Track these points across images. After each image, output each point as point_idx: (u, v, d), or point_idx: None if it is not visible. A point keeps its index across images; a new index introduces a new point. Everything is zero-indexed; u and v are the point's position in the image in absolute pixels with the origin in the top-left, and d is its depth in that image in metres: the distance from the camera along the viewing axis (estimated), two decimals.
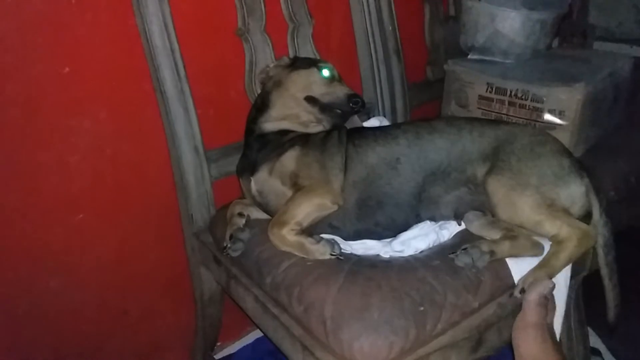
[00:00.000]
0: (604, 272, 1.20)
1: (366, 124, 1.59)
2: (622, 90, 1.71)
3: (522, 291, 1.06)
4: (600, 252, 1.19)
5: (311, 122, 1.33)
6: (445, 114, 1.80)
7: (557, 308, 1.12)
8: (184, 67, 1.33)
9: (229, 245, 1.21)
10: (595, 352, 1.66)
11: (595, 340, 1.68)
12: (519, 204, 1.12)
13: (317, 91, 1.31)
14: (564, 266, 1.10)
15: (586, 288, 1.35)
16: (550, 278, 1.07)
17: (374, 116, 1.71)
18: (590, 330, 1.62)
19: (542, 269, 1.08)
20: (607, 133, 1.69)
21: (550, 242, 1.12)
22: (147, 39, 1.29)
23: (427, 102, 1.96)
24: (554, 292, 1.07)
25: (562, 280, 1.14)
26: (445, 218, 1.26)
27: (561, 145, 1.25)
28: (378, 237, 1.24)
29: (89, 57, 1.29)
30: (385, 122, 1.63)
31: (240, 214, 1.29)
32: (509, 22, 1.73)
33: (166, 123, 1.35)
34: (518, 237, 1.15)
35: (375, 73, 1.79)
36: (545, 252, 1.14)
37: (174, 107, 1.33)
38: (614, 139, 1.68)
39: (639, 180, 1.58)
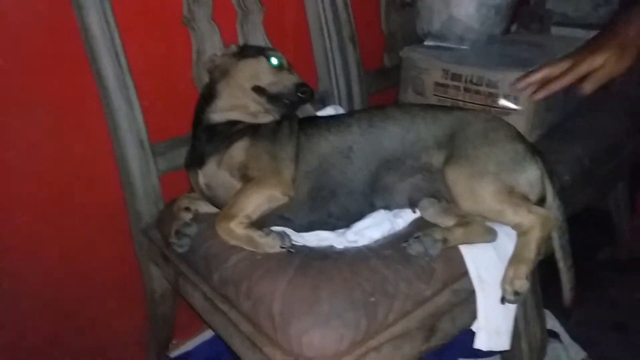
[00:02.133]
0: (559, 255, 1.20)
1: (321, 112, 1.56)
2: None
3: (516, 294, 1.05)
4: (555, 235, 1.19)
5: (260, 113, 1.29)
6: (402, 101, 1.77)
7: None
8: (126, 58, 1.27)
9: (174, 241, 1.17)
10: (553, 334, 1.67)
11: (553, 323, 1.69)
12: (480, 192, 1.10)
13: (265, 81, 1.27)
14: (537, 254, 1.09)
15: (544, 271, 1.35)
16: (530, 270, 1.06)
17: (329, 105, 1.67)
18: (548, 313, 1.63)
19: (521, 265, 1.06)
20: (562, 117, 1.69)
21: (504, 228, 1.12)
22: (85, 30, 1.23)
23: (384, 90, 1.94)
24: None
25: None
26: (400, 206, 1.24)
27: (515, 130, 1.24)
28: (332, 227, 1.22)
29: (24, 48, 1.22)
30: (341, 111, 1.61)
31: (187, 209, 1.25)
32: (463, 8, 1.71)
33: (108, 117, 1.30)
34: (471, 223, 1.14)
35: (331, 61, 1.75)
36: (498, 238, 1.13)
37: (116, 100, 1.27)
38: (569, 123, 1.68)
39: (593, 163, 1.58)
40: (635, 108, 1.90)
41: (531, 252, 1.07)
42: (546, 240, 1.10)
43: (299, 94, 1.26)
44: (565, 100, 1.67)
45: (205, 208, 1.28)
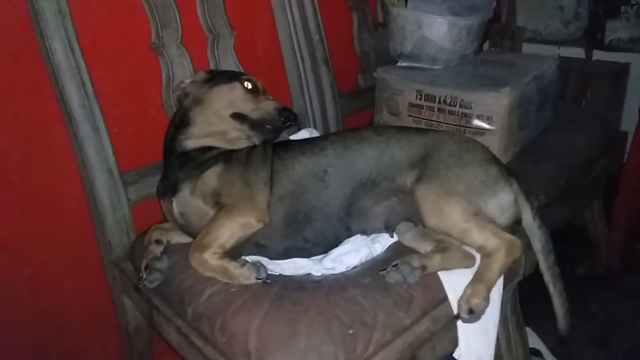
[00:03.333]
0: (547, 277, 1.19)
1: (296, 135, 1.55)
2: (549, 92, 1.73)
3: (471, 311, 1.02)
4: (540, 256, 1.19)
5: (240, 139, 1.27)
6: (377, 122, 1.77)
7: (491, 316, 1.10)
8: (92, 85, 1.25)
9: (144, 276, 1.13)
10: (536, 352, 1.66)
11: (535, 341, 1.68)
12: (446, 210, 1.09)
13: (245, 107, 1.25)
14: (498, 277, 1.08)
15: (524, 289, 1.35)
16: (489, 290, 1.04)
17: (303, 127, 1.66)
18: (529, 331, 1.62)
19: (480, 284, 1.04)
20: (536, 135, 1.70)
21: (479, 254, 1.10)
22: (49, 58, 1.19)
23: (359, 111, 1.94)
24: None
25: (494, 289, 1.11)
26: (377, 230, 1.22)
27: (488, 152, 1.24)
28: (308, 254, 1.19)
29: None
30: (316, 133, 1.59)
31: (158, 241, 1.21)
32: (435, 29, 1.72)
33: (75, 146, 1.26)
34: (449, 249, 1.12)
35: (304, 83, 1.75)
36: (477, 264, 1.12)
37: (83, 128, 1.24)
38: (543, 141, 1.69)
39: (568, 180, 1.59)
40: (606, 124, 1.93)
41: (492, 274, 1.06)
42: (514, 263, 1.09)
43: (282, 118, 1.24)
44: (537, 118, 1.69)
45: (178, 238, 1.24)
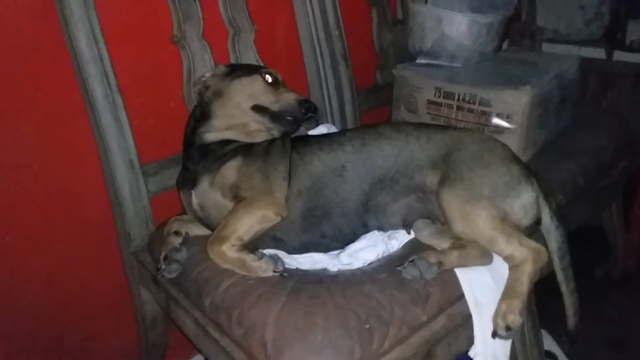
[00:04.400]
0: (560, 277, 1.19)
1: (314, 131, 1.55)
2: (569, 91, 1.71)
3: (508, 328, 1.02)
4: (555, 257, 1.18)
5: (259, 131, 1.28)
6: (395, 119, 1.76)
7: None
8: (115, 76, 1.26)
9: (163, 267, 1.14)
10: (551, 355, 1.65)
11: (550, 344, 1.67)
12: (473, 217, 1.08)
13: (265, 99, 1.26)
14: (530, 288, 1.07)
15: (540, 291, 1.34)
16: (524, 304, 1.04)
17: (322, 123, 1.66)
18: (545, 334, 1.61)
19: (514, 299, 1.04)
20: (555, 135, 1.69)
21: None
22: (73, 48, 1.21)
23: (377, 107, 1.93)
24: None
25: None
26: (394, 227, 1.22)
27: (509, 151, 1.22)
28: (325, 249, 1.20)
29: (10, 65, 1.20)
30: (334, 129, 1.59)
31: (177, 232, 1.22)
32: (455, 26, 1.71)
33: (97, 136, 1.27)
34: (466, 246, 1.12)
35: (323, 79, 1.75)
36: (494, 261, 1.11)
37: (105, 119, 1.25)
38: (562, 141, 1.68)
39: (587, 181, 1.58)
40: (627, 125, 1.91)
41: (524, 286, 1.05)
42: (538, 272, 1.09)
43: (303, 110, 1.25)
44: (557, 117, 1.67)
45: (197, 230, 1.25)
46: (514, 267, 1.07)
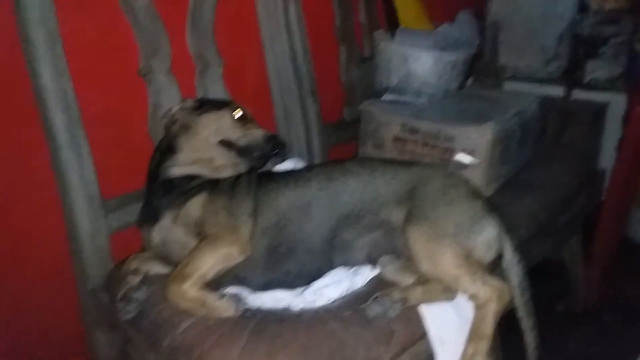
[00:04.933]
0: (521, 313, 1.20)
1: (281, 166, 1.55)
2: (530, 128, 1.76)
3: None
4: (516, 292, 1.19)
5: (225, 167, 1.27)
6: (362, 154, 1.78)
7: None
8: (78, 109, 1.24)
9: (121, 307, 1.11)
10: None
11: None
12: (438, 255, 1.09)
13: (233, 135, 1.26)
14: (494, 327, 1.08)
15: (501, 326, 1.34)
16: (490, 345, 1.05)
17: (289, 158, 1.66)
18: None
19: (480, 341, 1.05)
20: (517, 170, 1.73)
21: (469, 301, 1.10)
22: (35, 79, 1.19)
23: (344, 143, 1.95)
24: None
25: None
26: (359, 263, 1.22)
27: (472, 186, 1.25)
28: (289, 286, 1.18)
29: None
30: (301, 164, 1.59)
31: (136, 271, 1.19)
32: (421, 63, 1.75)
33: (57, 171, 1.25)
34: (430, 281, 1.12)
35: (291, 113, 1.76)
36: (457, 296, 1.12)
37: (66, 153, 1.23)
38: (523, 176, 1.72)
39: (548, 216, 1.62)
40: (585, 161, 1.97)
41: (489, 327, 1.06)
42: (502, 311, 1.10)
43: (270, 146, 1.25)
44: (519, 153, 1.72)
45: (157, 268, 1.22)
46: (478, 307, 1.08)
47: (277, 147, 1.26)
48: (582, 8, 2.54)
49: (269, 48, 1.69)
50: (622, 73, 2.50)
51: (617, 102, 2.39)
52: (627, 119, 2.14)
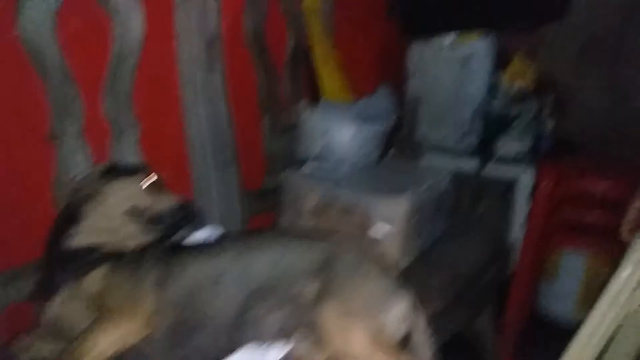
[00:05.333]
0: None
1: (199, 233, 1.51)
2: (443, 201, 1.83)
3: None
4: None
5: (133, 237, 1.22)
6: (282, 223, 1.77)
7: None
8: None
9: None
10: None
11: None
12: (350, 333, 1.09)
13: (142, 203, 1.22)
14: None
15: None
16: None
17: (204, 227, 1.62)
18: None
19: None
20: (431, 243, 1.78)
21: None
22: None
23: (264, 212, 1.93)
24: None
25: None
26: (270, 338, 1.18)
27: (384, 262, 1.28)
28: None
29: None
30: (219, 232, 1.56)
31: (27, 350, 1.10)
32: (341, 135, 1.80)
33: None
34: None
35: (210, 180, 1.73)
36: None
37: None
38: (437, 249, 1.76)
39: (459, 288, 1.66)
40: (497, 234, 2.06)
41: None
42: None
43: (180, 215, 1.22)
44: (433, 226, 1.77)
45: (51, 346, 1.13)
46: None
47: (189, 217, 1.23)
48: (493, 87, 2.73)
49: (189, 114, 1.68)
50: (530, 149, 2.67)
51: (525, 177, 2.54)
52: (533, 193, 2.27)
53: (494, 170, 2.60)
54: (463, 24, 2.43)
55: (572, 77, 2.83)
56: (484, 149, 2.69)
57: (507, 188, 2.56)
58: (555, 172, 2.17)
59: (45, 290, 1.13)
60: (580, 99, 2.81)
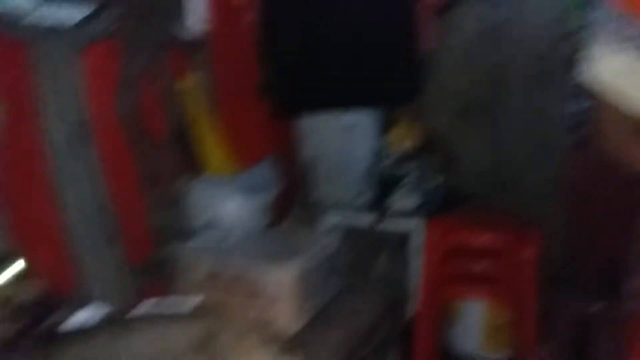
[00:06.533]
0: None
1: (82, 311, 1.44)
2: (335, 261, 1.88)
3: None
4: None
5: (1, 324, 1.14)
6: (170, 296, 1.73)
7: None
8: None
9: None
10: None
11: None
12: None
13: (7, 291, 1.15)
14: None
15: None
16: None
17: (91, 303, 1.55)
18: None
19: None
20: (326, 302, 1.80)
21: None
22: None
23: (152, 284, 1.88)
24: None
25: None
26: None
27: (268, 330, 1.27)
28: None
29: None
30: (104, 309, 1.49)
31: None
32: (226, 207, 1.83)
33: None
34: None
35: (92, 260, 1.67)
36: None
37: None
38: (331, 308, 1.79)
39: (355, 344, 1.68)
40: (389, 289, 2.13)
41: None
42: None
43: (44, 304, 1.15)
44: (325, 287, 1.80)
45: None
46: None
47: (53, 305, 1.17)
48: (382, 149, 2.86)
49: (65, 196, 1.63)
50: (421, 203, 2.80)
51: (418, 230, 2.65)
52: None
53: (389, 224, 2.69)
54: (330, 104, 2.49)
55: (456, 137, 3.00)
56: (379, 205, 2.79)
57: (402, 241, 2.66)
58: (441, 226, 2.30)
59: None
60: (465, 157, 2.98)
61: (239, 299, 1.61)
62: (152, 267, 1.91)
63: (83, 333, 1.19)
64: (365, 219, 2.70)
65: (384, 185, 2.80)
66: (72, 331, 1.21)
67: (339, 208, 2.80)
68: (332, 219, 2.67)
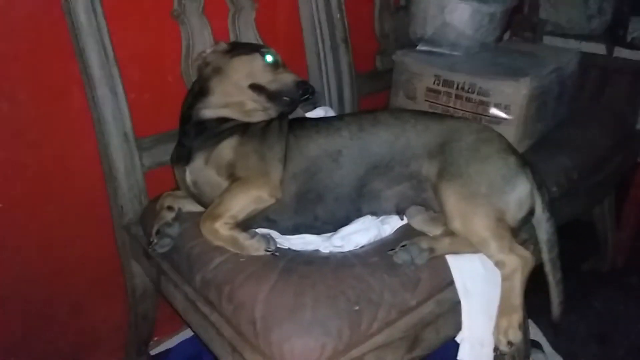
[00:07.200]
0: (548, 268, 1.20)
1: (311, 114, 1.54)
2: (568, 85, 1.71)
3: (510, 344, 1.06)
4: (544, 247, 1.19)
5: (256, 111, 1.26)
6: (393, 105, 1.76)
7: (496, 301, 1.10)
8: (113, 48, 1.25)
9: (155, 241, 1.14)
10: (536, 345, 1.67)
11: (535, 333, 1.69)
12: (470, 216, 1.09)
13: (263, 79, 1.24)
14: (522, 296, 1.09)
15: (528, 282, 1.35)
16: (522, 317, 1.07)
17: (319, 106, 1.65)
18: (531, 322, 1.63)
19: (513, 314, 1.07)
20: (552, 128, 1.69)
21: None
22: (71, 18, 1.19)
23: (375, 93, 1.92)
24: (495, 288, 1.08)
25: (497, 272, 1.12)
26: (387, 213, 1.23)
27: (505, 142, 1.22)
28: (317, 231, 1.20)
29: (8, 35, 1.19)
30: (331, 113, 1.59)
31: (170, 208, 1.22)
32: (457, 14, 1.70)
33: (93, 107, 1.27)
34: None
35: (322, 62, 1.74)
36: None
37: (101, 91, 1.24)
38: (558, 134, 1.68)
39: (580, 175, 1.58)
40: (623, 121, 1.91)
41: (518, 298, 1.08)
42: (527, 278, 1.10)
43: (300, 91, 1.23)
44: (555, 110, 1.67)
45: (190, 206, 1.25)
46: (505, 278, 1.09)
47: (307, 93, 1.23)
48: None
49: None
50: None
51: None
52: None
53: (623, 55, 2.36)
54: None
55: None
56: (613, 33, 2.44)
57: (637, 74, 2.33)
58: None
59: (182, 158, 1.23)
60: None
61: (466, 112, 1.57)
62: (376, 75, 1.94)
63: (326, 125, 1.24)
64: (599, 45, 2.39)
65: (626, 7, 2.41)
66: (316, 122, 1.29)
67: (567, 32, 2.51)
68: (562, 42, 2.41)
